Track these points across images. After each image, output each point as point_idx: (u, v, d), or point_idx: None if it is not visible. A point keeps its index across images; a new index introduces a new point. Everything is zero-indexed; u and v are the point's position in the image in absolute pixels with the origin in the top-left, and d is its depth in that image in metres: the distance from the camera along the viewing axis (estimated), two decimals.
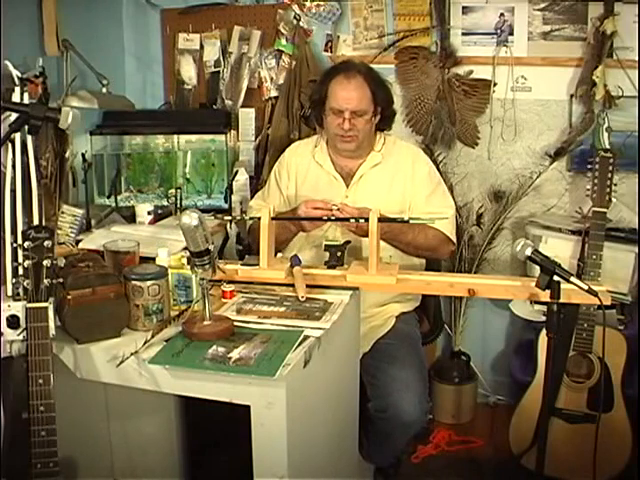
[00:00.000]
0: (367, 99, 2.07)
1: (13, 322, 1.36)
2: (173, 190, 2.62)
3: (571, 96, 2.64)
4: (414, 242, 2.07)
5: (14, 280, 1.38)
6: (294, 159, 2.27)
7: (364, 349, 2.02)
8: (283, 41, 2.81)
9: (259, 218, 1.86)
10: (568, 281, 1.56)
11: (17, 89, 1.64)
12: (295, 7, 2.78)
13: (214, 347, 1.41)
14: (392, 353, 2.01)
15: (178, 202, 2.58)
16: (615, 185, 2.34)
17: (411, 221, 1.90)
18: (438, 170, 2.76)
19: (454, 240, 2.18)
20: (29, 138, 1.61)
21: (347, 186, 2.16)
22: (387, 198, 2.10)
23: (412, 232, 2.05)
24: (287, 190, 2.24)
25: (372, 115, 2.10)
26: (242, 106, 2.89)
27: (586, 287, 1.56)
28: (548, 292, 1.57)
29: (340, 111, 2.06)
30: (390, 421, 1.91)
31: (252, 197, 2.63)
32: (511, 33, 2.65)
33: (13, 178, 1.55)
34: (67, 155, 2.26)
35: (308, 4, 2.79)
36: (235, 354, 1.37)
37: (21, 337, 1.35)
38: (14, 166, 1.55)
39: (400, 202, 2.14)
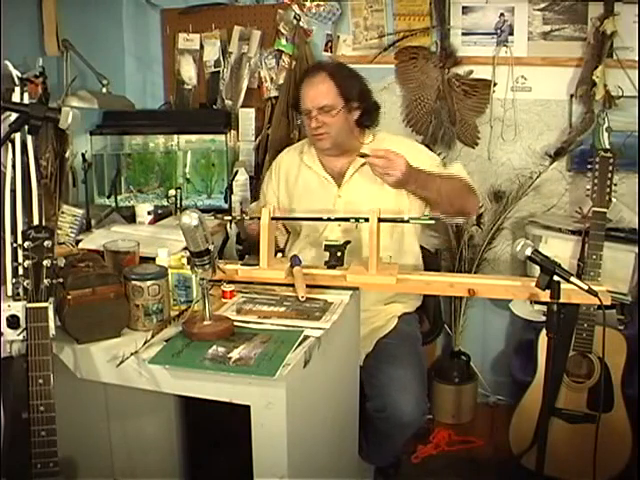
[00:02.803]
0: (332, 94, 2.05)
1: (13, 322, 1.36)
2: (173, 190, 2.62)
3: (571, 96, 2.64)
4: (443, 190, 2.00)
5: (14, 280, 1.38)
6: (284, 165, 2.27)
7: (367, 349, 2.02)
8: (283, 41, 2.81)
9: (258, 218, 1.87)
10: (568, 281, 1.56)
11: (17, 89, 1.64)
12: (295, 7, 2.78)
13: (214, 347, 1.41)
14: (392, 353, 2.01)
15: (178, 202, 2.58)
16: (615, 185, 2.34)
17: (411, 221, 1.90)
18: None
19: (476, 190, 2.14)
20: (29, 138, 1.61)
21: (339, 186, 2.15)
22: (381, 193, 2.06)
23: (438, 180, 2.00)
24: (278, 198, 2.24)
25: (342, 110, 2.06)
26: (242, 106, 2.89)
27: (586, 287, 1.56)
28: (548, 292, 1.57)
29: (309, 111, 2.06)
30: (388, 421, 1.91)
31: (252, 197, 2.64)
32: (511, 33, 2.66)
33: (13, 178, 1.55)
34: (67, 155, 2.26)
35: (308, 4, 2.79)
36: (235, 354, 1.37)
37: (21, 337, 1.35)
38: (14, 166, 1.55)
39: (395, 195, 2.08)
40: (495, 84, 2.70)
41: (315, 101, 2.05)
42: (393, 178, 1.87)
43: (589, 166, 2.39)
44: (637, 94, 2.52)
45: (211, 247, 1.46)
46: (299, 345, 1.42)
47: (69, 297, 1.42)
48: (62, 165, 2.23)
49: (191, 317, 1.51)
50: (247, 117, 2.89)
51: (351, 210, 2.04)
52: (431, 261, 2.41)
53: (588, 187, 2.37)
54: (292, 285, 1.74)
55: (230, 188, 2.68)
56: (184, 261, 1.59)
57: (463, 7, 2.68)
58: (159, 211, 2.56)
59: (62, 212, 2.19)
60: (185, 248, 1.54)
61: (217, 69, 2.92)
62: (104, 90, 2.52)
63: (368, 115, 2.15)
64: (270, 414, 1.30)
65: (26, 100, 1.62)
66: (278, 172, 2.27)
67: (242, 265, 1.86)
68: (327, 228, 2.13)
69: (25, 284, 1.32)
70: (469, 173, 2.76)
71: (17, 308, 1.36)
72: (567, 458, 2.24)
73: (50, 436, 1.30)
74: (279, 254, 1.95)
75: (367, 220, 1.80)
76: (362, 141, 2.16)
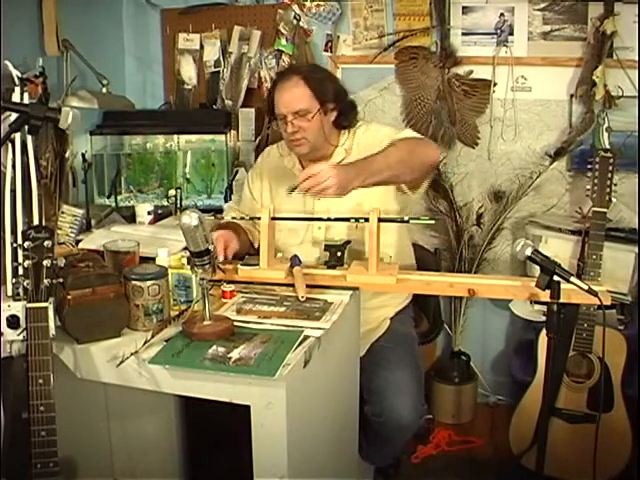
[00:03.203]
0: (307, 97, 1.96)
1: (13, 322, 1.36)
2: (173, 190, 2.62)
3: (571, 96, 2.64)
4: (393, 160, 1.80)
5: (14, 280, 1.38)
6: (266, 165, 2.22)
7: (360, 353, 2.01)
8: (283, 41, 2.81)
9: (259, 218, 1.87)
10: (568, 281, 1.56)
11: (17, 89, 1.64)
12: (295, 7, 2.79)
13: (214, 347, 1.41)
14: (387, 356, 1.99)
15: (178, 202, 2.58)
16: (615, 185, 2.34)
17: (411, 221, 1.89)
18: (437, 169, 2.78)
19: (429, 140, 1.97)
20: (29, 138, 1.61)
21: None
22: (357, 193, 1.90)
23: (381, 157, 1.79)
24: (261, 197, 2.19)
25: (318, 113, 1.97)
26: (242, 106, 2.89)
27: (586, 287, 1.55)
28: (548, 292, 1.57)
29: (284, 116, 1.98)
30: (386, 425, 1.91)
31: None
32: (511, 33, 2.66)
33: (13, 178, 1.55)
34: (67, 155, 2.26)
35: (308, 4, 2.79)
36: (235, 354, 1.37)
37: (21, 337, 1.35)
38: (14, 166, 1.55)
39: (370, 194, 1.96)
40: (495, 84, 2.70)
41: (290, 106, 1.97)
42: (332, 188, 1.68)
43: (589, 166, 2.39)
44: (637, 94, 2.52)
45: (211, 247, 1.46)
46: (299, 345, 1.42)
47: (69, 297, 1.42)
48: (62, 165, 2.22)
49: (191, 317, 1.51)
50: (247, 117, 2.89)
51: (329, 211, 2.02)
52: (431, 261, 2.41)
53: (588, 187, 2.37)
54: (292, 285, 1.74)
55: (230, 188, 2.69)
56: (184, 261, 1.59)
57: (463, 7, 2.68)
58: (159, 211, 2.56)
59: (62, 212, 2.19)
60: (185, 248, 1.54)
61: (217, 69, 2.92)
62: (104, 90, 2.52)
63: (345, 115, 2.07)
64: (270, 414, 1.30)
65: (26, 100, 1.62)
66: (261, 172, 2.22)
67: (242, 265, 1.86)
68: (309, 229, 2.09)
69: (25, 284, 1.32)
70: (469, 173, 2.81)
71: (17, 308, 1.36)
72: (567, 458, 2.24)
73: (50, 436, 1.30)
74: (279, 254, 1.94)
75: (367, 220, 1.80)
76: (338, 143, 2.08)
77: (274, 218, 1.87)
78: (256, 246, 2.15)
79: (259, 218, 1.95)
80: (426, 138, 1.97)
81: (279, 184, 2.17)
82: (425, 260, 2.33)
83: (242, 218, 2.07)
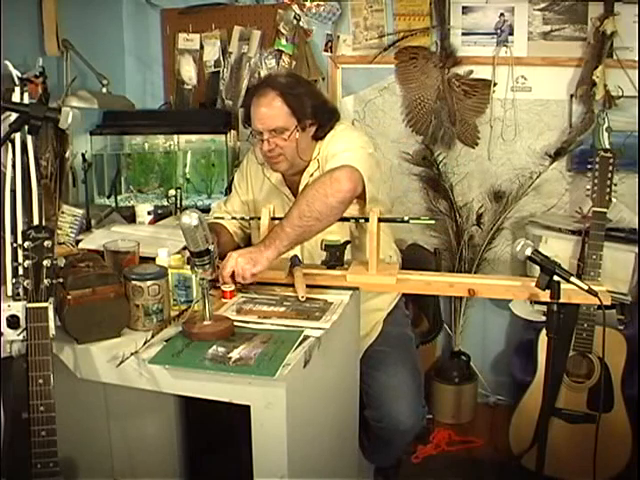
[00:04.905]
0: (283, 115, 1.89)
1: (13, 322, 1.36)
2: (173, 190, 2.62)
3: (571, 96, 2.64)
4: (297, 216, 1.73)
5: (14, 280, 1.38)
6: (249, 167, 2.18)
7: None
8: (283, 41, 2.81)
9: (258, 218, 1.87)
10: (568, 281, 1.56)
11: (17, 89, 1.64)
12: (295, 7, 2.79)
13: (214, 347, 1.41)
14: (383, 360, 1.98)
15: (178, 202, 2.58)
16: (615, 185, 2.35)
17: (411, 221, 1.89)
18: (438, 169, 2.78)
19: (345, 165, 1.79)
20: (29, 138, 1.61)
21: (295, 197, 2.00)
22: None
23: (286, 222, 1.73)
24: (247, 196, 2.17)
25: (295, 131, 1.90)
26: (242, 106, 2.89)
27: (586, 287, 1.55)
28: (548, 292, 1.57)
29: (260, 133, 1.91)
30: (386, 430, 1.91)
31: None
32: (511, 33, 2.66)
33: (13, 178, 1.55)
34: (67, 155, 2.26)
35: (308, 4, 2.79)
36: (235, 354, 1.37)
37: (21, 337, 1.35)
38: (14, 166, 1.55)
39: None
40: (495, 84, 2.70)
41: (266, 123, 1.89)
42: (253, 271, 1.65)
43: (589, 166, 2.39)
44: (637, 94, 2.52)
45: (211, 247, 1.46)
46: (299, 345, 1.42)
47: (69, 297, 1.42)
48: (62, 165, 2.22)
49: (191, 317, 1.51)
50: None
51: None
52: (431, 261, 2.41)
53: (588, 187, 2.37)
54: (292, 285, 1.74)
55: (230, 188, 2.68)
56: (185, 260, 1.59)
57: (463, 7, 2.68)
58: (159, 211, 2.56)
59: (62, 212, 2.19)
60: (185, 248, 1.54)
61: (217, 69, 2.93)
62: (104, 90, 2.52)
63: (323, 127, 1.98)
64: (270, 414, 1.30)
65: (26, 100, 1.62)
66: (246, 176, 2.18)
67: None
68: None
69: (25, 284, 1.32)
70: (468, 173, 2.81)
71: (17, 308, 1.36)
72: (567, 458, 2.24)
73: (50, 436, 1.30)
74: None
75: (367, 220, 1.80)
76: (312, 156, 2.00)
77: (274, 218, 1.87)
78: (243, 246, 2.13)
79: (251, 219, 1.95)
80: (342, 169, 1.79)
81: (261, 190, 2.13)
82: (425, 260, 2.33)
83: (233, 218, 2.06)
